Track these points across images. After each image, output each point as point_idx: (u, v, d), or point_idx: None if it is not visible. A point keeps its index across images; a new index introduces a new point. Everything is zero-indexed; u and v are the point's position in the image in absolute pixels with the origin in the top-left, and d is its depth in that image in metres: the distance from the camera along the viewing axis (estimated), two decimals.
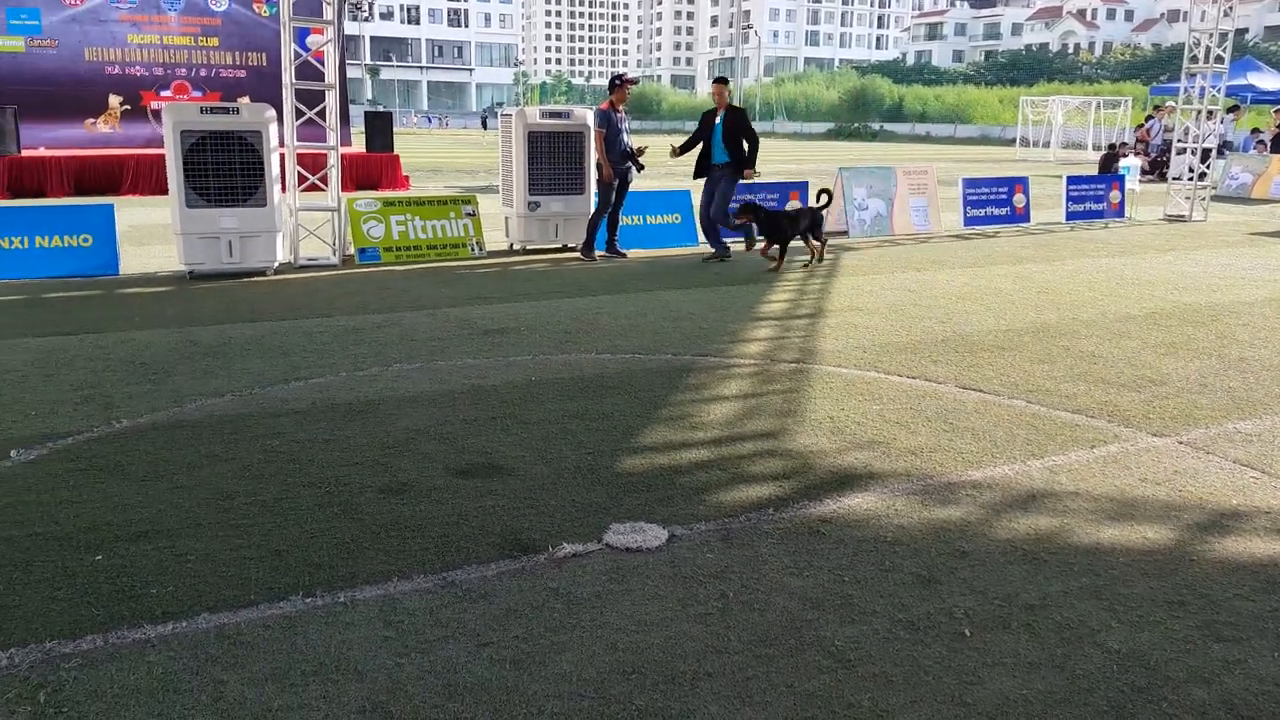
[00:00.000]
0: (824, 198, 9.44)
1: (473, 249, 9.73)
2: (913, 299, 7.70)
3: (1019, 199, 13.25)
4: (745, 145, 9.45)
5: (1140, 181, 15.63)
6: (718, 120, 9.50)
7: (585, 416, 4.60)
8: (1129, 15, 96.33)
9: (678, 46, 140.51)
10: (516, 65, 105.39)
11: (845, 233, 11.71)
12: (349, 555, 3.16)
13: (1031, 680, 2.53)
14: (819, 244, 9.37)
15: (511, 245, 10.20)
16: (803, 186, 12.04)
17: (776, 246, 9.13)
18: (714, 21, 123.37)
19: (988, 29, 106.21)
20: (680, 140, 10.29)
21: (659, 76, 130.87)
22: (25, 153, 15.19)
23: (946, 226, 12.55)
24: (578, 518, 3.47)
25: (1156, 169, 21.71)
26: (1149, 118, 25.99)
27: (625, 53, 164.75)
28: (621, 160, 9.43)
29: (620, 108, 9.45)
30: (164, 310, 7.04)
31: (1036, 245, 11.19)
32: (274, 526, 3.37)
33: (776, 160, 31.20)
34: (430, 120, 71.17)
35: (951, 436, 4.40)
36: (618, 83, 9.51)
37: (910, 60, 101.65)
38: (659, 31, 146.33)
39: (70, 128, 16.78)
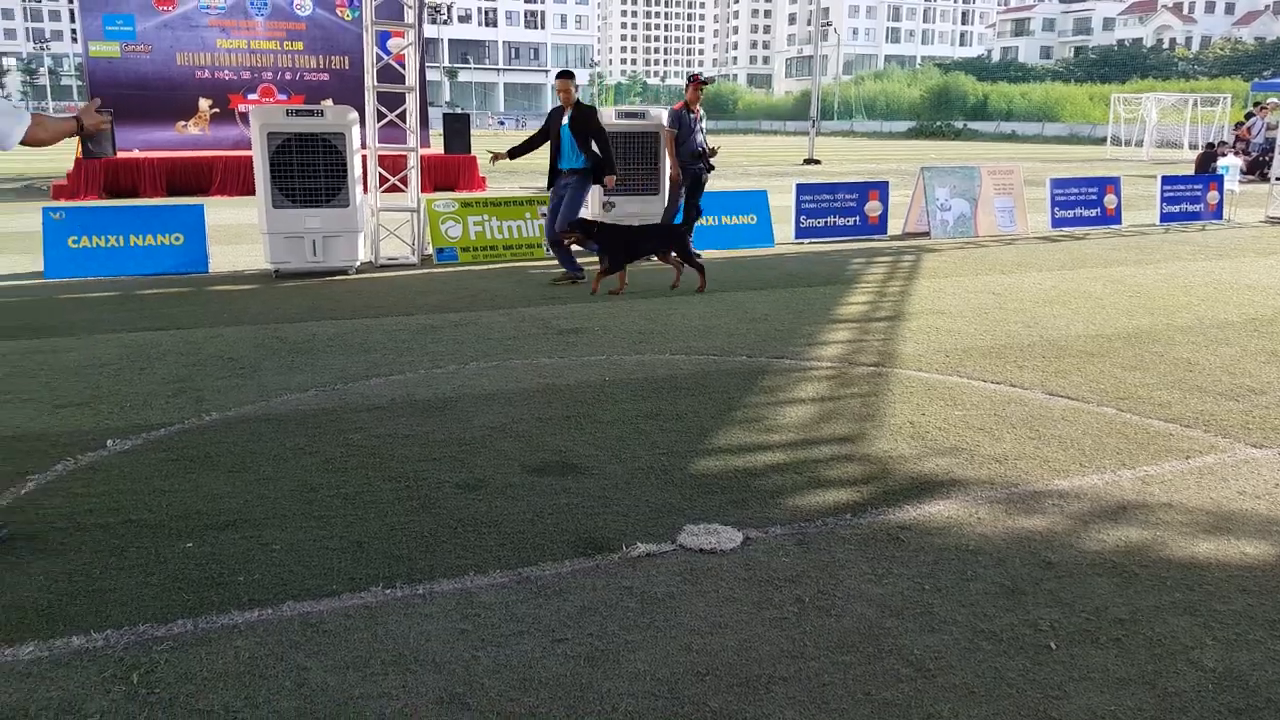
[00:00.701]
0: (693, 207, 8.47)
1: (548, 249, 9.80)
2: (997, 302, 7.50)
3: (1110, 200, 12.81)
4: (596, 148, 8.25)
5: (1240, 182, 14.98)
6: (565, 120, 8.32)
7: (659, 417, 4.60)
8: (1229, 8, 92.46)
9: (754, 45, 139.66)
10: (592, 66, 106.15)
11: (927, 234, 11.49)
12: (427, 549, 3.21)
13: (1121, 697, 2.44)
14: (682, 261, 8.04)
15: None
16: (883, 186, 11.84)
17: (617, 267, 7.88)
18: (792, 19, 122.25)
19: (1078, 24, 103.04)
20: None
21: (735, 75, 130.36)
22: (121, 154, 15.84)
23: (1033, 228, 12.21)
24: (652, 518, 3.47)
25: (1257, 169, 20.79)
26: (1249, 115, 24.91)
27: (701, 52, 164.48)
28: (693, 160, 9.41)
29: (695, 107, 9.43)
30: (251, 307, 7.26)
31: (1128, 248, 10.80)
32: (355, 519, 3.44)
33: (855, 160, 30.79)
34: (502, 123, 72.07)
35: (1037, 444, 4.26)
36: (690, 82, 9.51)
37: (995, 57, 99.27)
38: (735, 30, 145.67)
39: (162, 130, 17.43)
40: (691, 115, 9.36)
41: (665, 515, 3.49)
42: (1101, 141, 40.95)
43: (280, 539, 3.28)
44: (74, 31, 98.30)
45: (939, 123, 63.11)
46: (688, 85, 9.51)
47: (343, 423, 4.49)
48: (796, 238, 11.08)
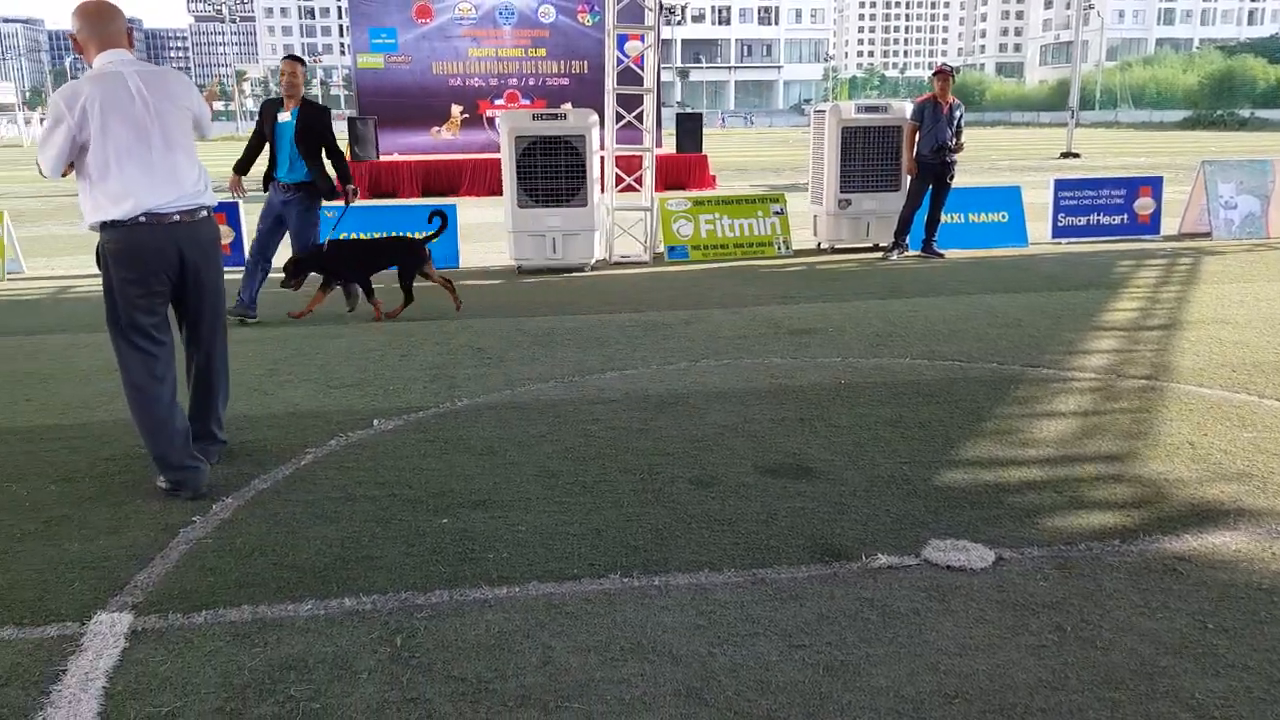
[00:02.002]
0: (436, 221, 7.25)
1: (779, 247, 9.72)
2: None
3: None
4: (327, 158, 6.90)
5: None
6: (288, 117, 6.68)
7: (900, 424, 4.41)
8: None
9: (1004, 32, 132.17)
10: (826, 60, 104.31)
11: (1208, 234, 10.36)
12: (662, 541, 3.24)
13: None
14: (410, 284, 6.95)
15: (819, 244, 10.07)
16: (1156, 181, 10.79)
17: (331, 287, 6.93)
18: (1048, 3, 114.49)
19: None
20: None
21: (982, 65, 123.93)
22: (382, 158, 17.28)
23: None
24: (893, 529, 3.32)
25: None
26: None
27: (944, 42, 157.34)
28: (935, 155, 9.00)
29: (946, 99, 8.99)
30: (497, 301, 7.67)
31: None
32: (593, 507, 3.53)
33: (1120, 153, 28.38)
34: (723, 121, 72.16)
35: None
36: (937, 74, 9.10)
37: None
38: (983, 18, 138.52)
39: (418, 135, 18.81)
40: (939, 108, 8.95)
41: (908, 527, 3.33)
42: None
43: (525, 521, 3.42)
44: (343, 45, 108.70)
45: (1220, 111, 56.82)
46: (933, 77, 9.11)
47: (581, 414, 4.64)
48: (1054, 237, 10.31)
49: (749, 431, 4.34)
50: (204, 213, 3.79)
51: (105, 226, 3.60)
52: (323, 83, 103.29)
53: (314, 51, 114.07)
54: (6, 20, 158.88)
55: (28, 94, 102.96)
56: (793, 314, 6.92)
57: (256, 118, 6.58)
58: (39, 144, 3.69)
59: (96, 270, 3.70)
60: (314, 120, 6.68)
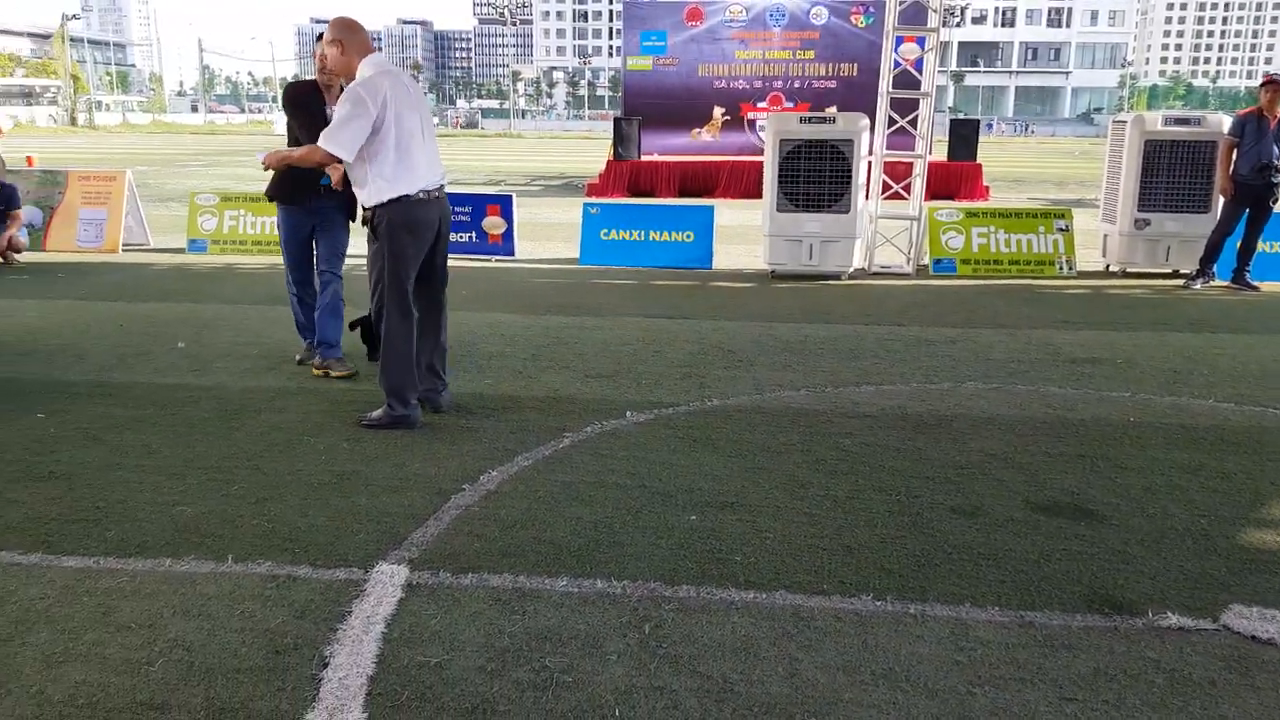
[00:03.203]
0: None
1: (1061, 267, 9.02)
2: None
3: None
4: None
5: None
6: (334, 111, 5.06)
7: (1198, 471, 3.94)
8: None
9: None
10: (1124, 66, 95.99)
11: None
12: (919, 569, 3.07)
13: None
14: None
15: (1108, 266, 9.24)
16: None
17: None
18: None
19: None
20: None
21: None
22: (643, 158, 17.78)
23: None
24: (1186, 587, 2.96)
25: None
26: None
27: (1270, 48, 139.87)
28: (1256, 175, 7.99)
29: (1275, 112, 7.97)
30: (748, 304, 7.66)
31: None
32: (845, 523, 3.42)
33: None
34: (989, 126, 67.79)
35: None
36: (1266, 85, 8.07)
37: None
38: None
39: (678, 136, 19.17)
40: (1265, 123, 7.96)
41: (1204, 588, 2.96)
42: None
43: (773, 529, 3.36)
44: (612, 48, 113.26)
45: None
46: (1261, 88, 8.11)
47: (833, 426, 4.51)
48: None
49: (1020, 463, 4.04)
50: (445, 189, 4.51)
51: (392, 202, 4.18)
52: (590, 84, 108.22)
53: (584, 53, 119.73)
54: (317, 20, 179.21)
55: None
56: (1074, 340, 6.39)
57: (288, 105, 5.18)
58: (334, 129, 4.15)
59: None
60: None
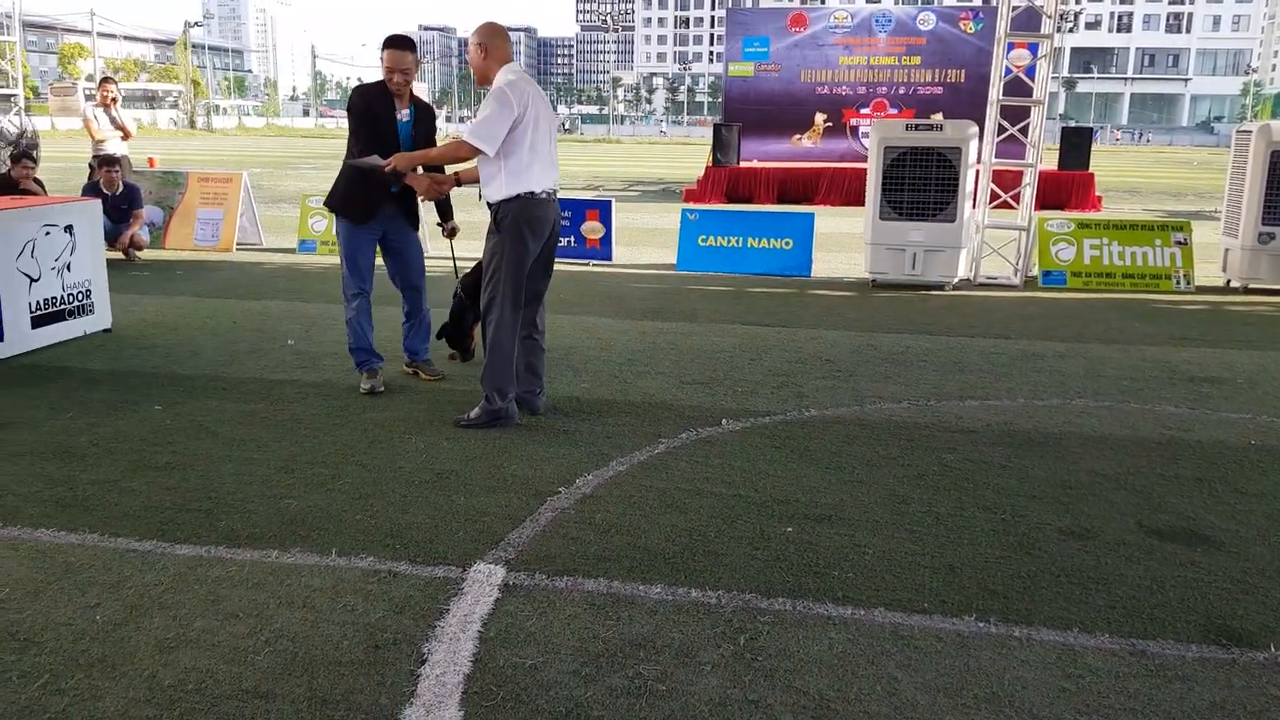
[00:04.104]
0: None
1: (1178, 282, 8.61)
2: None
3: None
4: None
5: None
6: (406, 117, 4.98)
7: None
8: None
9: None
10: (1248, 73, 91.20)
11: None
12: (1025, 590, 2.97)
13: None
14: None
15: (1229, 282, 8.78)
16: None
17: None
18: None
19: None
20: None
21: None
22: (742, 164, 17.68)
23: None
24: None
25: None
26: None
27: None
28: None
29: None
30: (848, 313, 7.54)
31: None
32: (947, 541, 3.33)
33: None
34: (1117, 139, 65.25)
35: None
36: None
37: None
38: None
39: (778, 142, 18.99)
40: None
41: None
42: None
43: (872, 544, 3.30)
44: (712, 54, 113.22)
45: None
46: None
47: (935, 440, 4.40)
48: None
49: (1132, 485, 3.86)
50: None
51: (519, 198, 4.34)
52: (690, 90, 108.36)
53: (684, 60, 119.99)
54: (425, 28, 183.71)
55: (438, 95, 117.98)
56: (1191, 358, 6.09)
57: (355, 109, 4.93)
58: (480, 125, 4.28)
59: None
60: (431, 126, 5.18)
